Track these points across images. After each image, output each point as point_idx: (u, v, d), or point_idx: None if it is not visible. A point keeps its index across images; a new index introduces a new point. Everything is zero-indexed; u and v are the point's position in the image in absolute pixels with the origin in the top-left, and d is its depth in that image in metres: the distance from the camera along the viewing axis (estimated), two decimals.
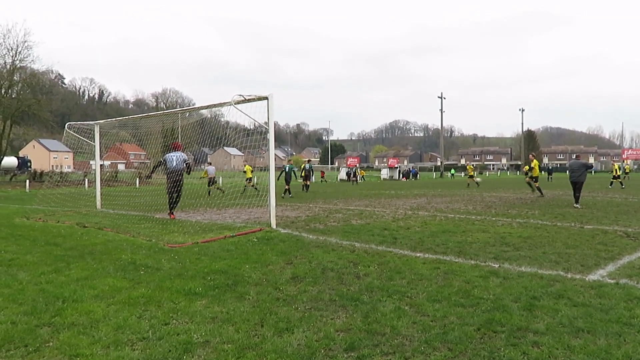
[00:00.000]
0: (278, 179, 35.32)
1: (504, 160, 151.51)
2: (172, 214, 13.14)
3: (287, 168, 23.81)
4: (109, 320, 4.51)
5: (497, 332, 4.14)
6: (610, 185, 31.06)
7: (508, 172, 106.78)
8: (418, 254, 7.57)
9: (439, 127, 79.62)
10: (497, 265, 6.67)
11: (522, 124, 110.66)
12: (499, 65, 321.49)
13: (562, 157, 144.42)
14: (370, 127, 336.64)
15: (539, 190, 21.96)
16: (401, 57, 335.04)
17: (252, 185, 24.04)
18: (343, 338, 4.04)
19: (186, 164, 13.13)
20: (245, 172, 25.77)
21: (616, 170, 31.42)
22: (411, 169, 61.23)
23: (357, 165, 59.76)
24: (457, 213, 14.07)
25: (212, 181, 24.82)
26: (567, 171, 17.44)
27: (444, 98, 75.02)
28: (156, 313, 4.72)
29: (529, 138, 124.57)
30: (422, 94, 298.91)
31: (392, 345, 3.89)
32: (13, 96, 48.21)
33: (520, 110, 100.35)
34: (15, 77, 48.18)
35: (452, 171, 75.02)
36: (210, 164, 28.76)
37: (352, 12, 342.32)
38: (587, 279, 5.89)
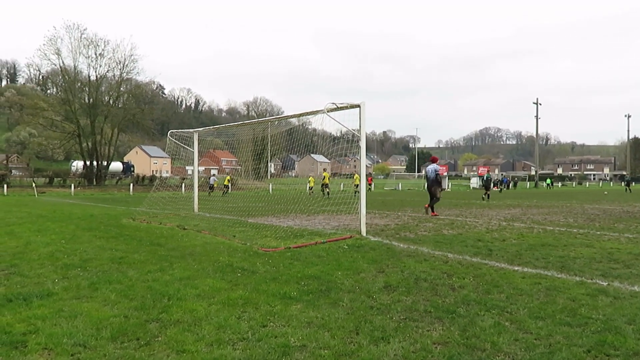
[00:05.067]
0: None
1: (606, 170, 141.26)
2: (433, 211, 16.27)
3: (486, 177, 31.44)
4: (211, 320, 4.71)
5: (610, 355, 3.85)
6: None
7: (611, 183, 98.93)
8: (516, 268, 7.23)
9: (534, 135, 75.76)
10: (605, 283, 6.21)
11: (628, 131, 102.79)
12: (607, 67, 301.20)
13: None
14: (459, 134, 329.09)
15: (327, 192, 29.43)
16: (497, 60, 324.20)
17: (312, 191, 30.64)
18: (441, 351, 3.94)
19: (436, 174, 16.37)
20: (309, 181, 33.00)
21: None
22: (503, 177, 58.70)
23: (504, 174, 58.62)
24: (556, 226, 13.28)
25: (212, 187, 32.19)
26: None
27: (540, 104, 71.42)
28: (254, 315, 4.87)
29: (635, 146, 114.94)
30: (516, 100, 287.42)
31: None
32: (119, 106, 52.37)
33: (626, 116, 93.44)
34: (122, 88, 52.34)
35: (549, 181, 70.95)
36: (214, 175, 35.78)
37: (448, 16, 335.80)
38: None
